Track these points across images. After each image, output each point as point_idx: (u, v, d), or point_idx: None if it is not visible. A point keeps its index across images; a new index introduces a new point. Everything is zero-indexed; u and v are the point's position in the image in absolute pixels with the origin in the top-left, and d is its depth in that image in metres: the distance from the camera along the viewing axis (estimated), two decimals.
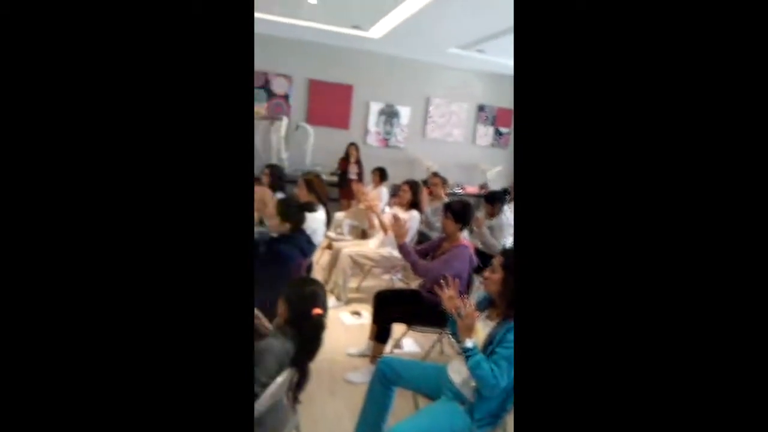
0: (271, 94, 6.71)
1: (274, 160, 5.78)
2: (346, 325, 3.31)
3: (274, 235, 2.41)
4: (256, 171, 6.02)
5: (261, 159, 6.19)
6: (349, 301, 3.69)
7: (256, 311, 1.75)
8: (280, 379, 1.46)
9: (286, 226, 2.35)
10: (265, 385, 1.45)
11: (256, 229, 2.43)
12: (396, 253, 3.30)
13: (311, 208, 3.00)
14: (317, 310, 1.59)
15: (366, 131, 7.20)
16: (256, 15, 5.60)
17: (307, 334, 1.57)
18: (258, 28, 6.25)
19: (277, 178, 3.72)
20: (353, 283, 3.90)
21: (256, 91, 6.66)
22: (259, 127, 6.23)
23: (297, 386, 1.58)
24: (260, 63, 6.61)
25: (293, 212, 2.38)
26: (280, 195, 3.44)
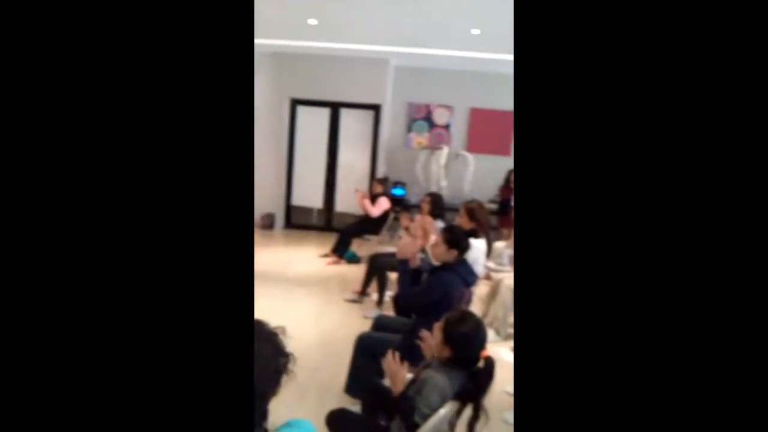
0: (432, 125, 6.91)
1: (433, 189, 5.89)
2: (504, 362, 3.14)
3: (437, 263, 2.41)
4: (416, 199, 6.21)
5: (421, 187, 6.36)
6: (507, 337, 3.51)
7: (426, 335, 1.74)
8: (442, 412, 1.43)
9: (452, 254, 2.32)
10: (426, 417, 1.43)
11: (419, 255, 2.45)
12: None
13: (475, 236, 2.95)
14: (485, 354, 1.53)
15: None
16: (418, 50, 5.88)
17: (479, 376, 1.52)
18: (419, 63, 6.54)
19: (437, 206, 3.76)
20: (513, 318, 3.71)
21: (419, 122, 6.93)
22: (421, 156, 6.44)
23: (472, 421, 1.53)
24: (423, 95, 6.87)
25: (459, 240, 2.34)
26: (439, 223, 3.46)
